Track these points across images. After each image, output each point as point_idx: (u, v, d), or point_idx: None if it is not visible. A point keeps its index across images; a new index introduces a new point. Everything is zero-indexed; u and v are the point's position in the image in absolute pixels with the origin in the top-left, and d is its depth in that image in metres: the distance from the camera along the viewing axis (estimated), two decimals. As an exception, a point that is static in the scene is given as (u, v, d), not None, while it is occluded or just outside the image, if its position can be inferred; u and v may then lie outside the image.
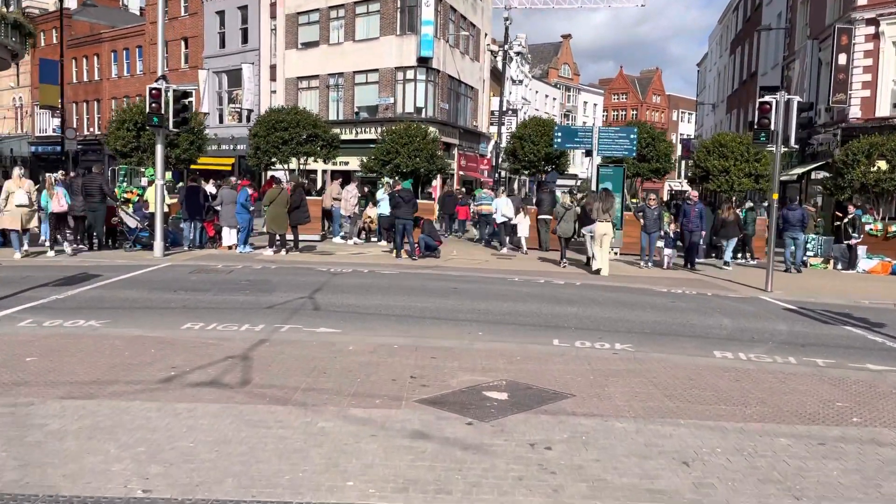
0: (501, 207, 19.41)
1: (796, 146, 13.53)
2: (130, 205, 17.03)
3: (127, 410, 5.10)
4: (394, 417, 5.17)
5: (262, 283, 11.69)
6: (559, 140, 19.47)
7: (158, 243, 14.51)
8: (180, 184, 24.00)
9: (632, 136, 19.27)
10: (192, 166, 42.67)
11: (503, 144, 32.77)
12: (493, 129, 46.11)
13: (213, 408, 5.22)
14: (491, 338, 8.27)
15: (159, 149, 14.41)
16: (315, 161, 22.29)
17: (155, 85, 13.94)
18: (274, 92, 39.47)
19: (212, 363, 6.51)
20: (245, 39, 41.78)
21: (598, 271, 14.70)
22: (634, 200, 22.90)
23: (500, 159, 32.82)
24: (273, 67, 40.23)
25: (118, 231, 16.82)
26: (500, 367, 6.72)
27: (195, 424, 4.86)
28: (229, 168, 39.25)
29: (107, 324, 8.25)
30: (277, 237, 16.21)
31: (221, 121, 43.53)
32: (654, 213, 16.11)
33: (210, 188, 17.62)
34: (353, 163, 31.81)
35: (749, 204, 20.68)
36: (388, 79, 35.32)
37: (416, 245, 16.61)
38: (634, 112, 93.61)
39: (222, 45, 43.32)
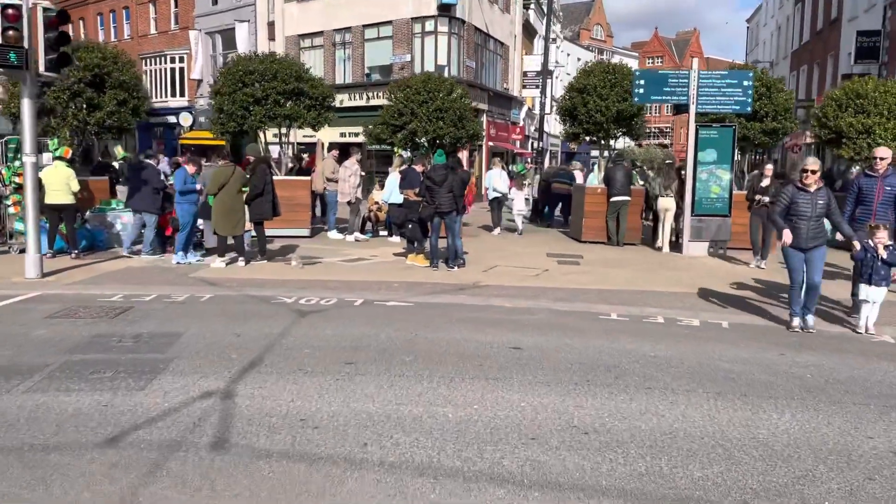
0: (493, 181, 16.78)
1: None
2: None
3: None
4: None
5: (157, 344, 6.29)
6: (641, 91, 13.67)
7: (31, 257, 9.13)
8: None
9: (745, 84, 13.46)
10: (182, 141, 37.70)
11: (552, 102, 26.83)
12: (526, 93, 40.24)
13: None
14: None
15: (26, 105, 8.86)
16: (301, 127, 16.52)
17: (10, 1, 8.43)
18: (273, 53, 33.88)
19: None
20: (239, -7, 36.18)
21: (659, 249, 13.95)
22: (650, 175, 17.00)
23: (540, 125, 26.97)
24: (271, 25, 34.64)
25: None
26: None
27: None
28: (223, 143, 33.92)
29: None
30: (231, 241, 10.80)
31: (216, 89, 38.14)
32: (818, 207, 7.31)
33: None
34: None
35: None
36: (403, 33, 29.60)
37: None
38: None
39: (214, 1, 37.77)
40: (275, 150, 19.41)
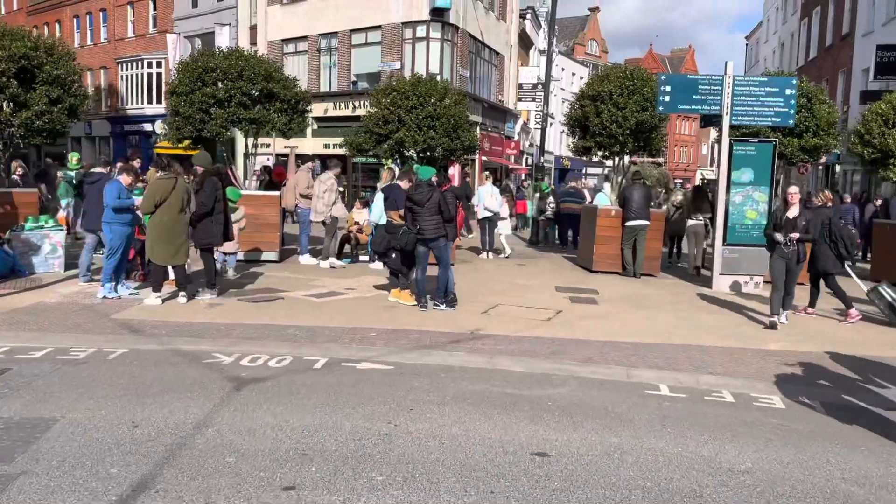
0: (484, 199, 15.04)
1: None
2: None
3: None
4: None
5: (11, 442, 4.18)
6: (667, 99, 11.75)
7: None
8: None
9: (788, 92, 11.57)
10: (158, 150, 35.47)
11: (549, 116, 24.88)
12: (522, 106, 38.39)
13: None
14: None
15: None
16: (270, 134, 14.26)
17: None
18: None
19: None
20: (220, -5, 34.29)
21: (696, 269, 13.18)
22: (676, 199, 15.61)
23: (541, 139, 25.06)
24: (253, 29, 32.71)
25: None
26: None
27: None
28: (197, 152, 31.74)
29: None
30: (171, 270, 8.72)
31: (194, 95, 36.04)
32: None
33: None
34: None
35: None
36: (393, 38, 27.70)
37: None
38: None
39: (195, 3, 35.89)
40: (262, 161, 17.25)
